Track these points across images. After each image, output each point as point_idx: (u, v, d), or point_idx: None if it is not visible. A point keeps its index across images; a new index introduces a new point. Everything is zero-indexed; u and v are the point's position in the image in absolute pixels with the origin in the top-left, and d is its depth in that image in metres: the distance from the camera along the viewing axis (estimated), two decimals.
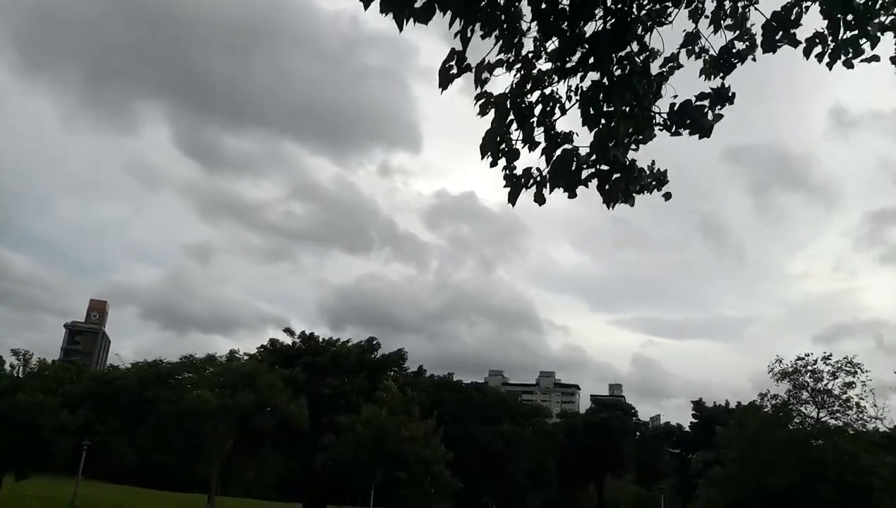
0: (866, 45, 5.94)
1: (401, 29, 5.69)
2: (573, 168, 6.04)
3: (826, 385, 47.39)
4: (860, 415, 46.96)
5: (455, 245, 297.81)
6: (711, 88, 6.03)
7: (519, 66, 6.15)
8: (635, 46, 6.27)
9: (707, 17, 6.39)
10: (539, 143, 6.05)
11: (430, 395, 54.41)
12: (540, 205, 6.08)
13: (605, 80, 5.96)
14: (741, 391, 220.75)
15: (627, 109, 6.01)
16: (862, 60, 6.04)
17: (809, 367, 48.03)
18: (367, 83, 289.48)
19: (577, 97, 6.02)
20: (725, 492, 51.10)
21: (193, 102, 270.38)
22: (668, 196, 6.29)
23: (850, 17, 5.72)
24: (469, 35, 5.76)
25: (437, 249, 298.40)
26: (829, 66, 6.12)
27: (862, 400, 46.48)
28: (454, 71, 6.09)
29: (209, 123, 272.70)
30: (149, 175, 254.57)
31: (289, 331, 54.05)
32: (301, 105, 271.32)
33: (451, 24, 5.63)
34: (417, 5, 5.49)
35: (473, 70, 6.17)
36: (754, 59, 6.35)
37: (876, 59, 6.00)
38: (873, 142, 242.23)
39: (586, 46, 5.88)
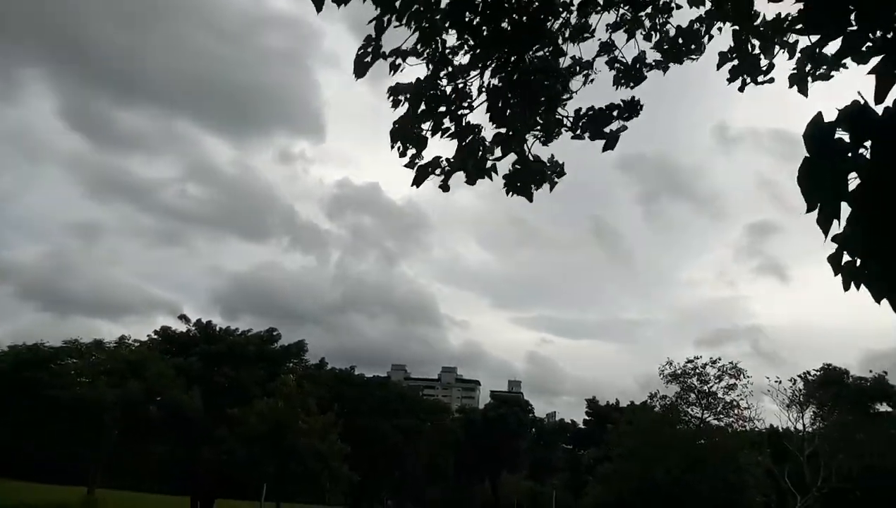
0: (765, 65, 6.17)
1: (319, 10, 5.48)
2: (479, 156, 6.02)
3: (712, 387, 49.90)
4: (740, 416, 49.73)
5: (357, 236, 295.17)
6: (622, 100, 6.12)
7: (434, 58, 6.06)
8: (548, 48, 6.33)
9: (624, 28, 6.47)
10: (448, 130, 6.01)
11: (331, 389, 53.75)
12: (444, 191, 6.01)
13: (515, 77, 5.95)
14: (629, 390, 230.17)
15: (534, 108, 6.02)
16: (761, 82, 6.26)
17: (698, 370, 50.42)
18: (269, 65, 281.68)
19: (486, 91, 6.00)
20: (614, 488, 52.98)
21: (81, 73, 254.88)
22: (552, 185, 6.32)
23: (754, 39, 5.92)
24: (385, 25, 5.64)
25: (339, 240, 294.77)
26: (730, 81, 6.31)
27: (742, 402, 49.28)
28: (369, 59, 5.94)
29: (98, 96, 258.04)
30: (29, 147, 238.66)
31: (184, 318, 52.09)
32: (199, 83, 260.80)
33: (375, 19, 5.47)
34: None
35: (387, 58, 6.03)
36: (665, 70, 6.48)
37: (771, 81, 6.24)
38: (753, 160, 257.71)
39: (501, 43, 5.86)
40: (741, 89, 6.30)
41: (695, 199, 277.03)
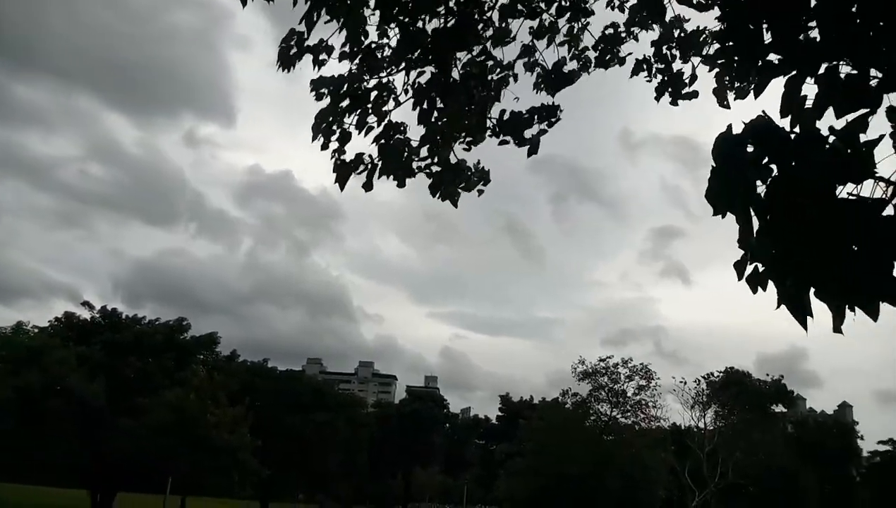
0: (688, 77, 6.36)
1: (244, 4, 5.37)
2: (404, 158, 5.98)
3: (622, 387, 51.47)
4: (647, 415, 51.53)
5: (268, 225, 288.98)
6: (542, 104, 6.20)
7: (360, 54, 5.99)
8: (476, 51, 6.34)
9: (545, 35, 6.54)
10: (372, 128, 5.95)
11: (242, 381, 52.56)
12: (367, 191, 5.95)
13: (442, 78, 5.94)
14: (541, 387, 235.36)
15: (461, 110, 6.01)
16: (683, 96, 6.43)
17: (609, 369, 51.89)
18: (176, 44, 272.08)
19: (413, 90, 5.96)
20: (524, 482, 53.95)
21: None
22: (480, 192, 6.37)
23: (675, 49, 6.09)
24: (315, 19, 5.55)
25: (249, 228, 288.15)
26: (657, 98, 6.46)
27: (651, 402, 51.08)
28: (294, 51, 5.83)
29: None
30: None
31: (87, 305, 49.80)
32: (100, 58, 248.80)
33: (294, 3, 5.34)
34: None
35: (312, 52, 5.92)
36: (582, 75, 6.58)
37: (695, 94, 6.42)
38: (656, 165, 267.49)
39: (428, 42, 5.83)
40: (675, 103, 6.44)
41: (602, 202, 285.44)
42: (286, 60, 5.87)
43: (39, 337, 43.55)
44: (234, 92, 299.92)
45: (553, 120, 6.21)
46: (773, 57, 3.12)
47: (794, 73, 3.02)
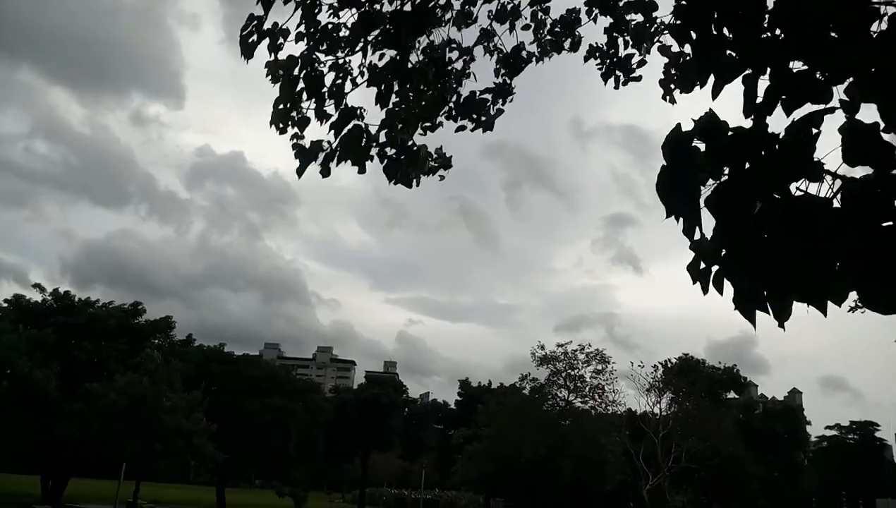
0: (636, 63, 6.39)
1: None
2: (363, 143, 5.93)
3: (580, 372, 52.27)
4: (603, 399, 52.43)
5: (219, 208, 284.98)
6: (494, 82, 6.19)
7: (316, 35, 5.90)
8: (435, 35, 6.29)
9: (505, 18, 6.51)
10: (330, 116, 5.87)
11: (198, 366, 51.86)
12: (324, 177, 5.88)
13: (400, 61, 5.88)
14: (497, 373, 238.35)
15: (419, 93, 5.96)
16: (629, 79, 6.49)
17: (567, 355, 52.63)
18: (122, 20, 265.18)
19: (369, 73, 5.89)
20: (480, 465, 54.55)
21: None
22: (441, 178, 6.34)
23: (627, 36, 6.11)
24: (272, 1, 5.46)
25: (200, 210, 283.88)
26: (605, 79, 6.51)
27: (607, 386, 51.98)
28: (254, 38, 5.73)
29: None
30: None
31: (39, 287, 48.51)
32: (44, 32, 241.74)
33: None
34: None
35: (268, 35, 5.82)
36: (542, 61, 6.57)
37: (638, 78, 6.48)
38: (606, 154, 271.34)
39: (386, 24, 5.75)
40: (616, 87, 6.48)
41: (555, 190, 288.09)
42: (247, 49, 5.77)
43: None
44: (182, 71, 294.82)
45: (507, 99, 6.21)
46: (728, 55, 3.13)
47: (749, 71, 3.04)
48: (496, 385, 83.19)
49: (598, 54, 6.35)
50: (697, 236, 2.95)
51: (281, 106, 5.88)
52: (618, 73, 6.35)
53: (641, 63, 6.25)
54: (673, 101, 5.68)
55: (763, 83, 2.99)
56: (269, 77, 5.90)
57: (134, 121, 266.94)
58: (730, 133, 2.79)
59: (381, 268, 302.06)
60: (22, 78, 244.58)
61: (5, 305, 47.62)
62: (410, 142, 6.03)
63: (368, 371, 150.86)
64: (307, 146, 5.87)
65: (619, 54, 6.28)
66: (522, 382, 56.63)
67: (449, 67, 6.16)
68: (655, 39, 6.04)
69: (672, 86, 5.64)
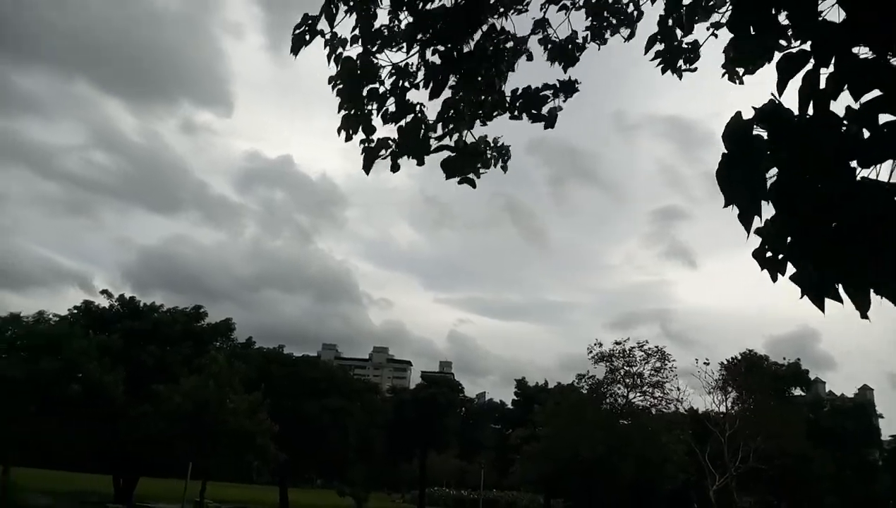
0: (689, 47, 6.26)
1: None
2: (420, 136, 5.99)
3: (639, 369, 51.49)
4: (664, 397, 51.54)
5: (270, 211, 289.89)
6: (558, 80, 6.14)
7: (371, 37, 5.97)
8: (487, 27, 6.28)
9: (557, 4, 6.45)
10: (392, 113, 5.96)
11: (259, 368, 52.94)
12: (394, 172, 5.99)
13: (455, 55, 5.91)
14: (549, 370, 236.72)
15: (473, 88, 5.98)
16: (687, 69, 6.36)
17: (625, 352, 51.94)
18: (168, 31, 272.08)
19: (424, 71, 5.94)
20: (539, 465, 54.22)
21: None
22: (504, 169, 6.34)
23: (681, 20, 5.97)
24: (335, 11, 5.55)
25: (251, 214, 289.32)
26: (663, 70, 6.39)
27: (667, 384, 51.10)
28: (307, 38, 5.82)
29: None
30: None
31: (106, 293, 50.27)
32: (95, 46, 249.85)
33: None
34: None
35: (328, 40, 5.91)
36: (600, 44, 6.48)
37: (694, 69, 6.34)
38: (650, 145, 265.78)
39: (439, 24, 5.79)
40: (680, 77, 6.35)
41: (600, 184, 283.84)
42: (297, 44, 5.87)
43: (59, 325, 44.03)
44: (229, 78, 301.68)
45: (571, 94, 6.17)
46: (786, 43, 3.05)
47: (811, 61, 2.95)
48: (551, 384, 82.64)
49: (659, 39, 6.21)
50: (756, 225, 2.89)
51: (346, 111, 5.97)
52: (680, 63, 6.21)
53: (696, 50, 6.11)
54: (741, 81, 5.53)
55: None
56: (333, 88, 5.99)
57: (184, 129, 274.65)
58: (794, 119, 2.72)
59: (430, 267, 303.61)
60: (78, 90, 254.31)
61: (75, 311, 49.41)
62: (467, 137, 6.05)
63: (424, 371, 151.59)
64: (371, 145, 5.97)
65: (680, 42, 6.15)
66: (580, 381, 56.08)
67: (504, 57, 6.15)
68: (709, 19, 5.88)
69: (737, 68, 5.51)
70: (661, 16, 5.99)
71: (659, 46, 6.22)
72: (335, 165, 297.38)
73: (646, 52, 6.18)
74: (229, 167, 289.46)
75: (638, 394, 52.32)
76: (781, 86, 2.95)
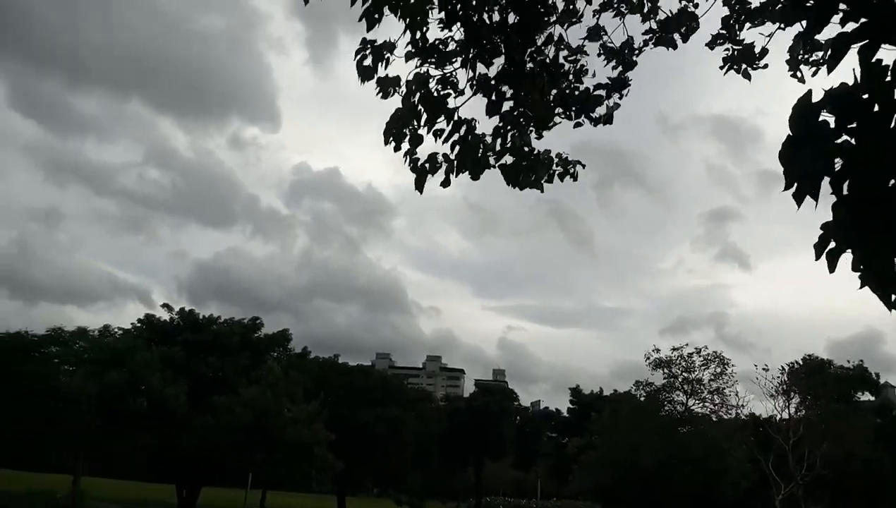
0: (759, 50, 6.13)
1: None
2: (479, 154, 6.04)
3: (698, 375, 50.45)
4: (724, 403, 50.34)
5: (319, 222, 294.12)
6: (609, 78, 6.12)
7: (425, 53, 6.04)
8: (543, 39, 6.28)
9: (612, 12, 6.42)
10: (443, 130, 5.99)
11: (315, 377, 53.66)
12: (445, 187, 6.04)
13: (510, 68, 5.93)
14: (601, 378, 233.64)
15: (540, 99, 5.99)
16: (756, 68, 6.23)
17: (683, 358, 50.96)
18: (215, 49, 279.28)
19: (476, 85, 5.97)
20: (597, 474, 53.50)
21: (27, 61, 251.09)
22: (574, 179, 6.34)
23: (743, 17, 5.88)
24: (378, 18, 5.61)
25: (301, 226, 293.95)
26: (724, 70, 6.27)
27: (727, 390, 49.91)
28: (369, 62, 5.92)
29: (47, 83, 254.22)
30: None
31: (167, 307, 51.73)
32: (146, 66, 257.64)
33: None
34: None
35: (383, 55, 5.99)
36: (665, 46, 6.41)
37: (765, 66, 6.20)
38: (697, 146, 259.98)
39: (494, 37, 5.82)
40: (746, 77, 6.23)
41: (647, 186, 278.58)
42: (364, 72, 5.96)
43: (124, 339, 45.41)
44: (275, 92, 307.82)
45: (624, 92, 6.15)
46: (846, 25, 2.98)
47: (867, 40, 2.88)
48: (607, 391, 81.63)
49: (721, 39, 6.13)
50: (814, 213, 2.83)
51: (395, 124, 6.03)
52: (744, 65, 6.10)
53: (764, 52, 5.99)
54: (802, 80, 5.42)
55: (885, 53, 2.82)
56: (380, 93, 6.07)
57: (233, 144, 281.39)
58: (865, 104, 2.65)
59: (478, 274, 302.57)
60: (132, 109, 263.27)
61: (138, 325, 50.90)
62: (528, 148, 6.06)
63: (478, 379, 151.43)
64: (422, 160, 6.01)
65: (742, 41, 6.05)
66: (637, 388, 55.22)
67: (562, 69, 6.15)
68: (772, 17, 5.76)
69: (799, 62, 5.39)
70: (723, 18, 5.92)
71: (722, 48, 6.14)
72: (381, 175, 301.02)
73: (712, 48, 6.09)
74: (278, 180, 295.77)
75: (697, 401, 51.28)
76: (834, 62, 2.88)
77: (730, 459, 48.62)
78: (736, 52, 6.09)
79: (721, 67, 6.14)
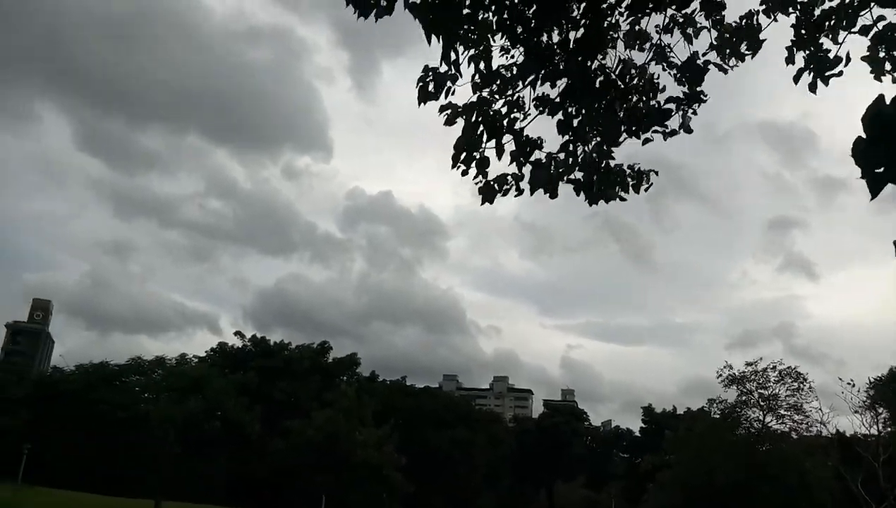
0: (833, 56, 6.02)
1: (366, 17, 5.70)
2: (551, 172, 6.10)
3: (774, 391, 48.67)
4: (805, 420, 48.39)
5: (374, 246, 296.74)
6: (683, 92, 6.10)
7: (484, 74, 6.13)
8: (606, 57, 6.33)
9: (676, 28, 6.40)
10: (511, 151, 6.06)
11: (383, 400, 54.10)
12: (517, 195, 6.13)
13: (578, 86, 5.98)
14: (668, 395, 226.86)
15: (613, 116, 6.04)
16: (829, 76, 6.09)
17: (757, 374, 49.30)
18: (264, 80, 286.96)
19: (541, 105, 6.03)
20: (672, 493, 52.08)
21: (90, 101, 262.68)
22: (647, 190, 6.37)
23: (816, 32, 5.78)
24: (455, 57, 5.72)
25: (357, 250, 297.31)
26: (796, 81, 6.14)
27: (806, 405, 47.95)
28: (431, 88, 6.04)
29: (110, 121, 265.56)
30: (55, 173, 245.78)
31: (239, 335, 53.17)
32: (205, 99, 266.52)
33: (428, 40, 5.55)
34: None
35: (446, 81, 6.11)
36: (725, 70, 6.38)
37: (839, 74, 6.05)
38: (748, 154, 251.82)
39: (556, 58, 5.89)
40: (812, 89, 6.10)
41: (701, 197, 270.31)
42: (425, 96, 6.09)
43: (200, 367, 46.80)
44: (325, 121, 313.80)
45: (699, 104, 6.15)
46: None
47: None
48: (679, 409, 79.58)
49: (795, 49, 6.04)
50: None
51: (462, 148, 6.12)
52: (813, 73, 6.00)
53: (838, 59, 5.87)
54: (879, 79, 5.31)
55: None
56: (445, 120, 6.19)
57: (288, 173, 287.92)
58: None
59: (535, 292, 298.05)
60: (189, 142, 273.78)
61: (212, 353, 52.41)
62: (603, 162, 6.11)
63: (546, 399, 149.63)
64: (490, 182, 6.10)
65: (817, 49, 5.96)
66: (710, 405, 53.67)
67: (631, 83, 6.18)
68: (856, 23, 5.64)
69: (885, 65, 5.28)
70: (792, 25, 5.84)
71: (800, 58, 6.05)
72: (433, 197, 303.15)
73: (787, 64, 6.01)
74: (333, 206, 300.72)
75: (774, 418, 49.45)
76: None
77: (811, 478, 46.63)
78: (812, 61, 5.99)
79: (795, 77, 6.05)
